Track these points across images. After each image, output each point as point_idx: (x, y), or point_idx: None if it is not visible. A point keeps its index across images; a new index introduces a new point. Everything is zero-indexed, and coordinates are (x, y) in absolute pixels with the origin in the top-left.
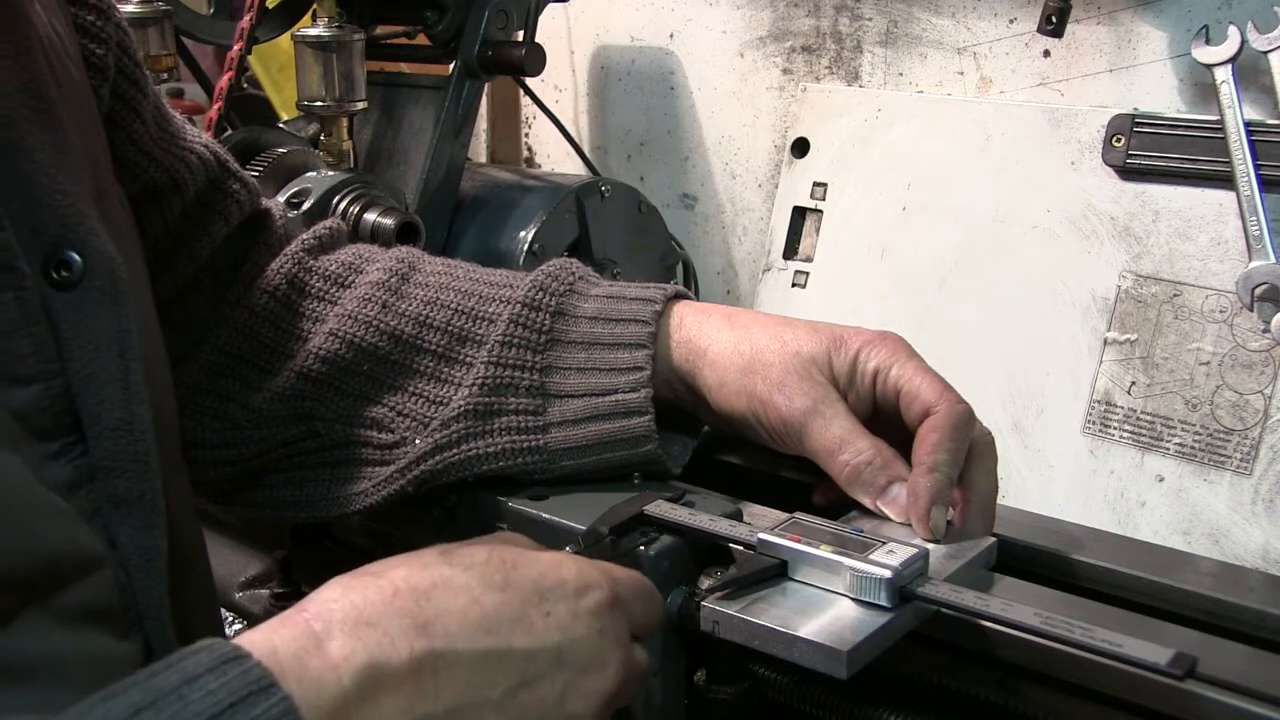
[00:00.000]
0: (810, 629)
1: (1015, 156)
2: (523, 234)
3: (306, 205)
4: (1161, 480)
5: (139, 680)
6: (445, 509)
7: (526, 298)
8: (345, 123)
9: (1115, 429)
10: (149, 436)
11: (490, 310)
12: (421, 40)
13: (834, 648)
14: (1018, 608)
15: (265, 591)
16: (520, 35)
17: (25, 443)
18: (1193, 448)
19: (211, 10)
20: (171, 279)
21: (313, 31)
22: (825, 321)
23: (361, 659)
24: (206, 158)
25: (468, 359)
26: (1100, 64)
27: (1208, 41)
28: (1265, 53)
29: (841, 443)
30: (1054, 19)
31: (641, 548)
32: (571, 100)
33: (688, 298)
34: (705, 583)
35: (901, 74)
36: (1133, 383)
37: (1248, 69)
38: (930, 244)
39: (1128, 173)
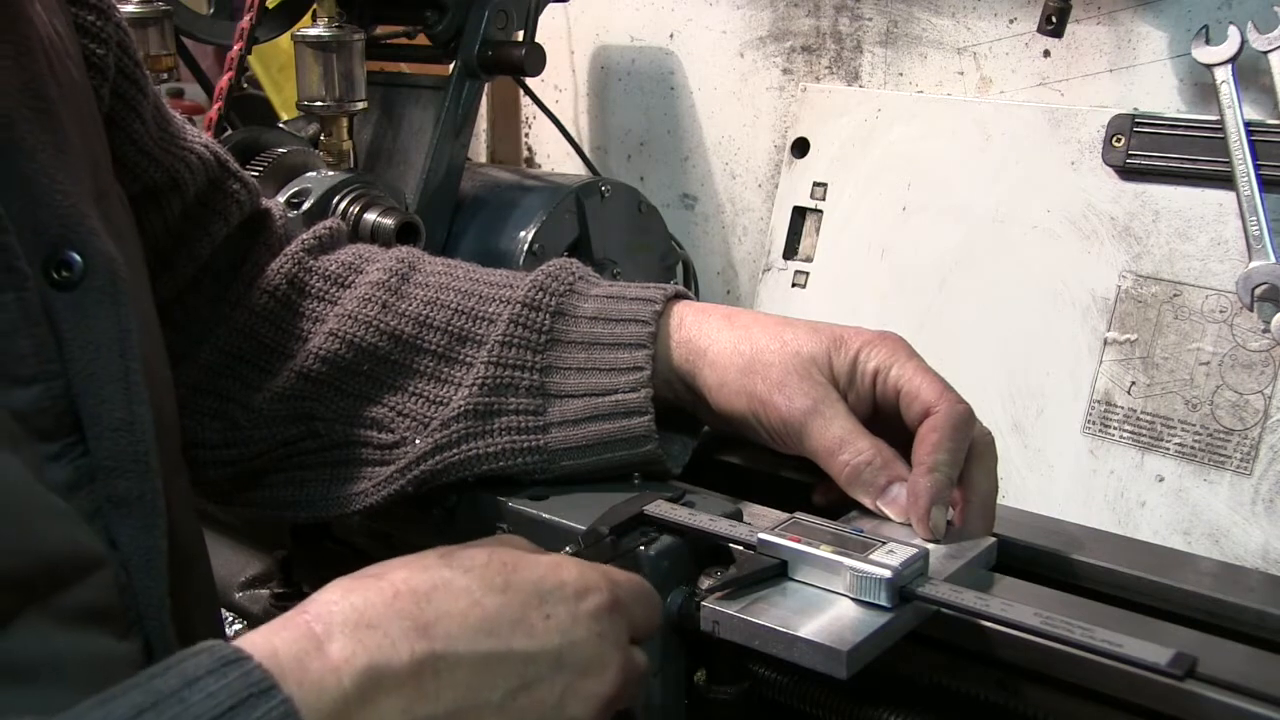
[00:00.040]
0: (810, 629)
1: (1015, 156)
2: (523, 234)
3: (306, 205)
4: (1161, 480)
5: (139, 682)
6: (445, 509)
7: (526, 298)
8: (345, 123)
9: (1115, 429)
10: (149, 437)
11: (490, 310)
12: (421, 40)
13: (834, 648)
14: (1018, 608)
15: (265, 592)
16: (520, 35)
17: (26, 443)
18: (1193, 448)
19: (211, 10)
20: (171, 279)
21: (313, 31)
22: (825, 321)
23: (362, 661)
24: (206, 158)
25: (468, 359)
26: (1100, 64)
27: (1208, 41)
28: (1265, 53)
29: (841, 443)
30: (1054, 19)
31: (641, 548)
32: (571, 100)
33: (688, 298)
34: (705, 583)
35: (901, 74)
36: (1133, 383)
37: (1248, 69)
38: (930, 244)
39: (1128, 173)
